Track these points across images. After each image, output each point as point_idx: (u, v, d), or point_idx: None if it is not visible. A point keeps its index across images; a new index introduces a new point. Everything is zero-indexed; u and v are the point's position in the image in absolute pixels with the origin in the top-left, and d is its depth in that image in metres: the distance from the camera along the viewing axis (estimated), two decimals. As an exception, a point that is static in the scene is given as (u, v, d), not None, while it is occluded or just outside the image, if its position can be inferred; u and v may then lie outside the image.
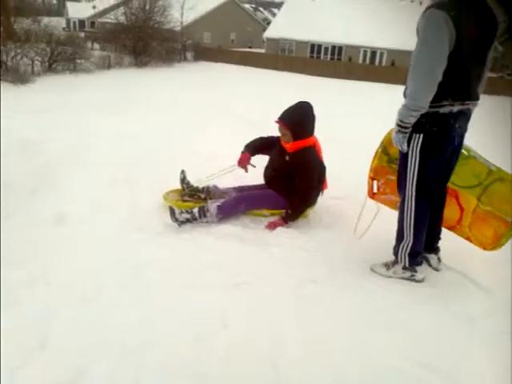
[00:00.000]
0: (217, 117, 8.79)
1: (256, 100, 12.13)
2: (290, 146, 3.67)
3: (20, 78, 14.41)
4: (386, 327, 2.42)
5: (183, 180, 4.02)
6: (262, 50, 32.03)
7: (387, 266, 2.99)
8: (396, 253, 2.94)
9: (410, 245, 2.85)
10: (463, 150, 2.95)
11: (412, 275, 2.91)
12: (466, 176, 3.00)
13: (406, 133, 2.62)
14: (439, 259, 3.12)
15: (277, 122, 3.68)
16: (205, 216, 3.54)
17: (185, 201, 3.91)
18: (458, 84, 2.54)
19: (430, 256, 3.11)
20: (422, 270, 2.95)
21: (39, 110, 8.70)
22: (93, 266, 2.84)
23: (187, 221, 3.51)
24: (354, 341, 2.30)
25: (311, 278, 2.88)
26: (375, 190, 3.49)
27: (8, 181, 3.99)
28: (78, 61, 19.49)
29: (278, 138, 3.85)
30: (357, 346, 2.27)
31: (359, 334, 2.36)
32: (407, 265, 2.90)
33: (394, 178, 3.11)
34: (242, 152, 4.00)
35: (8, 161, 4.39)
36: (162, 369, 2.05)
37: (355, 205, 3.89)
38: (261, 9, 56.88)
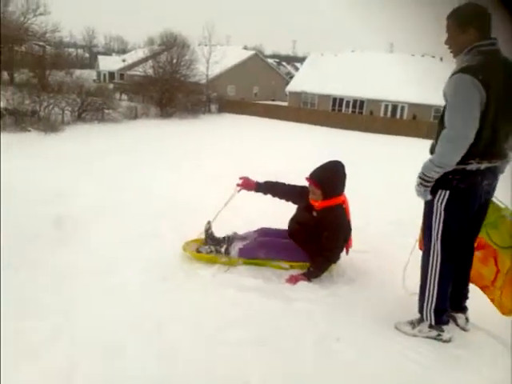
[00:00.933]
0: (238, 168, 8.83)
1: (278, 153, 12.26)
2: (319, 204, 3.65)
3: (51, 126, 14.93)
4: None
5: (207, 231, 4.01)
6: (285, 103, 32.72)
7: (413, 324, 2.90)
8: (421, 310, 2.86)
9: (434, 300, 2.77)
10: (500, 204, 2.91)
11: (438, 334, 2.81)
12: (504, 235, 2.92)
13: (427, 186, 2.62)
14: (467, 319, 3.01)
15: (307, 179, 3.67)
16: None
17: (201, 252, 3.91)
18: (486, 144, 2.54)
19: (457, 315, 3.01)
20: (449, 330, 2.84)
21: (66, 158, 8.93)
22: (117, 318, 2.82)
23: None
24: None
25: (334, 335, 2.81)
26: None
27: (35, 231, 4.04)
28: (106, 111, 20.17)
29: (306, 189, 3.81)
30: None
31: None
32: (433, 323, 2.81)
33: None
34: (255, 182, 4.01)
35: (34, 211, 4.47)
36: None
37: (378, 259, 3.83)
38: (284, 63, 58.81)
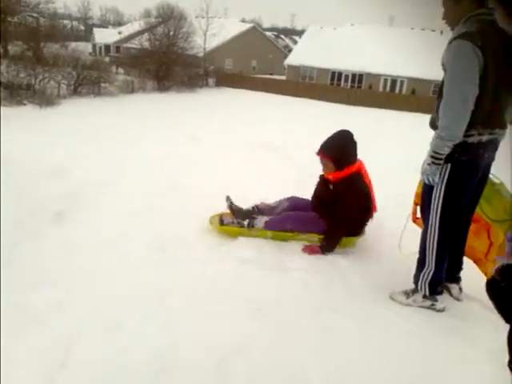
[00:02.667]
0: (241, 145, 8.83)
1: (277, 125, 12.21)
2: (332, 175, 3.62)
3: (46, 100, 14.79)
4: (404, 360, 2.37)
5: (231, 206, 3.99)
6: (283, 77, 32.40)
7: (407, 294, 2.95)
8: (416, 281, 2.90)
9: (431, 273, 2.81)
10: (495, 179, 2.92)
11: (432, 304, 2.86)
12: (498, 209, 2.94)
13: (439, 164, 2.60)
14: (461, 289, 3.06)
15: (317, 153, 3.63)
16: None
17: (224, 223, 3.93)
18: (486, 113, 2.51)
19: (451, 286, 3.06)
20: (443, 300, 2.90)
21: (65, 132, 8.88)
22: (118, 291, 2.85)
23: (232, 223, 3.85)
24: (371, 373, 2.27)
25: (330, 306, 2.86)
26: (418, 215, 3.43)
27: (35, 205, 4.04)
28: (103, 84, 19.99)
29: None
30: (372, 378, 2.24)
31: (376, 366, 2.32)
32: (427, 293, 2.85)
33: None
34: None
35: (35, 185, 4.46)
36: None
37: (376, 231, 3.86)
38: (282, 36, 57.94)
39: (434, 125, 2.64)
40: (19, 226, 3.66)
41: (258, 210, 3.96)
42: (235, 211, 3.97)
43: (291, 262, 3.41)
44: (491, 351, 2.40)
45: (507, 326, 2.47)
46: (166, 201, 4.60)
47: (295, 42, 46.87)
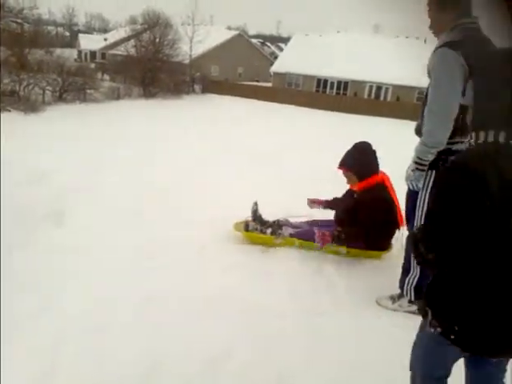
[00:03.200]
0: (228, 152, 8.83)
1: (264, 132, 12.22)
2: (357, 186, 3.70)
3: (31, 106, 14.63)
4: (393, 363, 2.34)
5: (255, 212, 4.04)
6: (270, 84, 32.51)
7: (393, 299, 2.99)
8: (402, 286, 2.93)
9: (416, 278, 2.84)
10: None
11: (418, 309, 2.86)
12: None
13: (423, 170, 2.63)
14: None
15: (339, 168, 3.74)
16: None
17: (250, 231, 3.95)
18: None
19: None
20: None
21: (49, 138, 8.80)
22: (106, 293, 2.86)
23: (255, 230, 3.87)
24: (359, 375, 2.29)
25: (317, 310, 2.88)
26: None
27: (20, 211, 4.01)
28: (88, 91, 19.84)
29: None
30: (361, 381, 2.26)
31: (365, 369, 2.34)
32: (413, 298, 2.89)
33: None
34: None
35: (21, 190, 4.42)
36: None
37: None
38: (268, 43, 58.18)
39: (419, 131, 2.67)
40: (3, 232, 3.61)
41: (277, 225, 3.97)
42: (257, 219, 4.02)
43: (276, 268, 3.44)
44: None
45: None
46: (150, 204, 4.61)
47: (281, 49, 47.10)
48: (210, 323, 2.62)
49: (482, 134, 1.38)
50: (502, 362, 1.61)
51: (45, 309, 2.66)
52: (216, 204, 4.76)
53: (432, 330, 1.51)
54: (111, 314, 2.66)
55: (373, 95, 28.78)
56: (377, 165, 3.72)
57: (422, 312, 1.61)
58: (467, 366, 1.65)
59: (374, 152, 3.70)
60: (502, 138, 1.33)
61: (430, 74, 2.58)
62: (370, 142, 3.72)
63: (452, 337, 1.46)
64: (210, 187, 5.56)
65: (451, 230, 1.36)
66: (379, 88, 28.58)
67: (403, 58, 26.84)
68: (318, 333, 2.64)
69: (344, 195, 4.03)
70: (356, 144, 3.73)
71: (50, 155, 6.70)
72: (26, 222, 3.90)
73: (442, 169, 1.42)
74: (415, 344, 1.74)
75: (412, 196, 2.80)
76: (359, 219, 3.54)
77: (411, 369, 1.76)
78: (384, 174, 3.77)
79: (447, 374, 1.68)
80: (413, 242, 1.50)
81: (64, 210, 4.31)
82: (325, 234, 3.57)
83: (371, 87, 28.84)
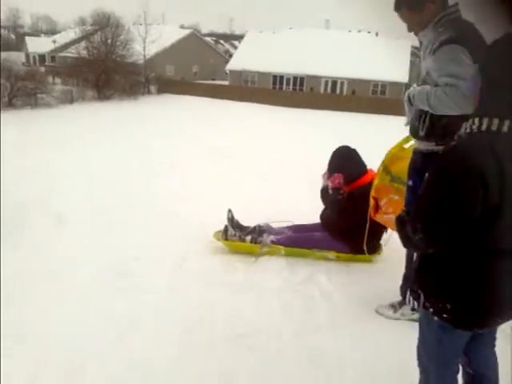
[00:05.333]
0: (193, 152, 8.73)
1: (225, 132, 12.17)
2: (347, 189, 3.67)
3: (-21, 114, 14.04)
4: (405, 376, 2.23)
5: (231, 219, 3.92)
6: (226, 82, 32.41)
7: (394, 307, 2.86)
8: (404, 294, 2.79)
9: None
10: None
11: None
12: None
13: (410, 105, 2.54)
14: None
15: (324, 176, 3.78)
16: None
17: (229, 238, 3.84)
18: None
19: None
20: None
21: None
22: (76, 318, 2.69)
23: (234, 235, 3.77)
24: None
25: (314, 325, 2.74)
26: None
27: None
28: (40, 95, 19.18)
29: None
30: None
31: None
32: (415, 306, 2.81)
33: (397, 197, 3.04)
34: None
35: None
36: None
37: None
38: (221, 41, 57.91)
39: (414, 133, 2.57)
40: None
41: (259, 231, 3.86)
42: (234, 226, 3.90)
43: (265, 281, 3.30)
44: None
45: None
46: (122, 217, 4.46)
47: (235, 47, 46.98)
48: (199, 352, 2.44)
49: (485, 121, 1.37)
50: (493, 331, 1.71)
51: (12, 338, 2.49)
52: (190, 211, 4.63)
53: (425, 311, 1.58)
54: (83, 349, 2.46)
55: (329, 90, 29.18)
56: (361, 166, 3.74)
57: (414, 295, 1.64)
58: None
59: (355, 154, 3.73)
60: (505, 127, 1.34)
61: (429, 74, 2.46)
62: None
63: (445, 315, 1.51)
64: (176, 194, 5.46)
65: (440, 215, 1.39)
66: (335, 82, 29.00)
67: (356, 51, 27.42)
68: (316, 353, 2.48)
69: (323, 195, 3.91)
70: (335, 151, 3.76)
71: (4, 166, 6.41)
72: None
73: (441, 153, 1.41)
74: (421, 340, 1.75)
75: (411, 197, 2.66)
76: (352, 217, 3.55)
77: (421, 366, 1.75)
78: (372, 171, 3.68)
79: (458, 366, 1.72)
80: (399, 224, 1.54)
81: (22, 225, 4.09)
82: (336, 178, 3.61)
83: (327, 82, 29.23)
